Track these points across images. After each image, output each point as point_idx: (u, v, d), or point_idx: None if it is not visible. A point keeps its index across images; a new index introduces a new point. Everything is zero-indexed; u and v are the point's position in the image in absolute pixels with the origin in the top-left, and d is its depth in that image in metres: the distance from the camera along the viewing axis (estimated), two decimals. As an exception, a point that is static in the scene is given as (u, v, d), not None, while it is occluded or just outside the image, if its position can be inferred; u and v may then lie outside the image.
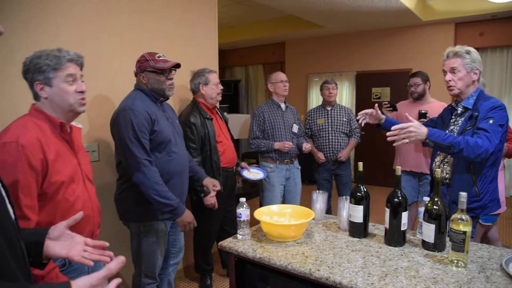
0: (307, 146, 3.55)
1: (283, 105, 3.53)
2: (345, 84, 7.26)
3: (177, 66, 2.22)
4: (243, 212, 1.81)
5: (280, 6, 5.14)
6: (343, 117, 3.82)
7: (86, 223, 1.60)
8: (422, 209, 1.75)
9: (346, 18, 5.82)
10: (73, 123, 1.68)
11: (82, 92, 1.56)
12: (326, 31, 6.87)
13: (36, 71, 1.49)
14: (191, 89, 2.92)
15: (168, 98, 2.28)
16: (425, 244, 1.68)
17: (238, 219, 1.82)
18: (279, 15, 6.54)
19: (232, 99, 8.61)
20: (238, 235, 1.84)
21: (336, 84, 3.89)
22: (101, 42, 2.52)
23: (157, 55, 2.18)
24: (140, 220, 2.18)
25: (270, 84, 3.51)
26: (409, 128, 1.87)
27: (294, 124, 3.56)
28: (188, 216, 2.19)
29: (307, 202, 2.23)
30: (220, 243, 1.82)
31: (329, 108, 3.86)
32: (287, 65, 8.00)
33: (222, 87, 2.94)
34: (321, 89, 3.89)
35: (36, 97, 1.54)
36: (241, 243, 1.79)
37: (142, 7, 2.77)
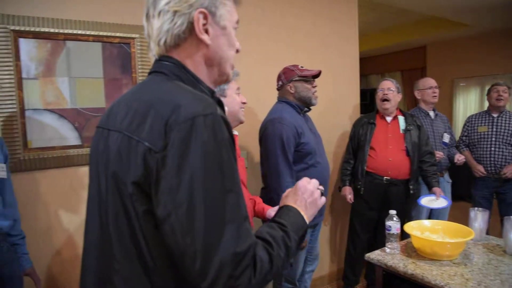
0: (460, 157, 3.21)
1: (432, 113, 3.28)
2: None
3: (319, 74, 2.30)
4: (393, 225, 1.75)
5: (421, 7, 4.81)
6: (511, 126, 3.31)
7: None
8: None
9: (501, 12, 5.12)
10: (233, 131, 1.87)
11: (244, 103, 1.75)
12: (472, 30, 6.16)
13: None
14: None
15: (310, 109, 2.35)
16: None
17: (387, 231, 1.76)
18: (418, 17, 6.13)
19: (367, 109, 8.35)
20: (386, 248, 1.78)
21: (509, 88, 3.38)
22: (248, 55, 2.74)
23: (299, 66, 2.29)
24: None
25: (417, 91, 3.31)
26: None
27: (445, 134, 3.27)
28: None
29: (455, 220, 2.04)
30: (367, 255, 1.79)
31: (495, 115, 3.38)
32: (429, 70, 7.41)
33: (385, 93, 2.90)
34: (488, 92, 3.44)
35: None
36: (390, 256, 1.73)
37: (291, 23, 2.92)
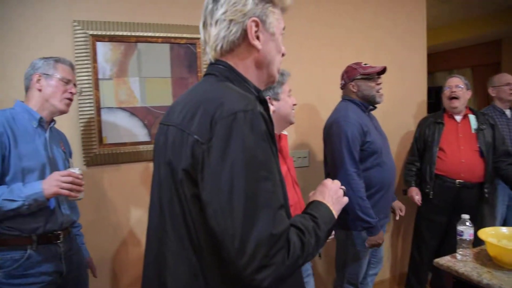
0: None
1: (508, 112, 3.03)
2: None
3: (384, 70, 2.21)
4: (466, 230, 1.64)
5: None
6: None
7: None
8: None
9: None
10: (282, 131, 1.88)
11: (294, 105, 1.82)
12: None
13: (268, 88, 1.73)
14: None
15: (375, 107, 2.28)
16: None
17: (459, 237, 1.66)
18: (493, 9, 5.68)
19: (433, 107, 7.91)
20: (457, 255, 1.68)
21: None
22: (309, 55, 2.72)
23: (362, 63, 2.22)
24: (348, 228, 2.21)
25: (491, 87, 3.07)
26: None
27: (524, 134, 3.01)
28: (380, 237, 2.13)
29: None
30: (436, 260, 1.70)
31: None
32: (505, 66, 6.83)
33: (454, 90, 2.73)
34: None
35: None
36: (462, 264, 1.63)
37: (349, 21, 2.86)
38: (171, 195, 0.87)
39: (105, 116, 2.17)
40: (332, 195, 1.02)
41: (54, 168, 1.63)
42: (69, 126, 2.10)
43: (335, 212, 0.99)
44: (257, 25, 0.91)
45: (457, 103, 2.68)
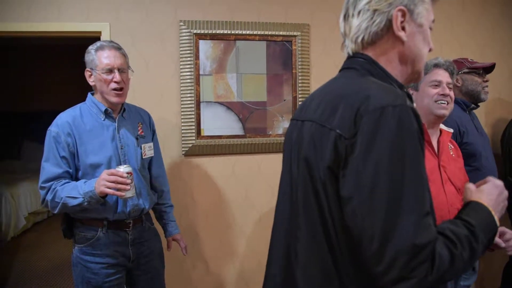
0: None
1: None
2: None
3: (493, 67, 2.05)
4: None
5: None
6: None
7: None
8: None
9: None
10: (443, 127, 1.72)
11: (442, 95, 1.60)
12: None
13: None
14: None
15: (478, 106, 2.13)
16: None
17: None
18: None
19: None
20: None
21: None
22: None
23: (469, 58, 2.09)
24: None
25: None
26: None
27: None
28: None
29: None
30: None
31: None
32: None
33: None
34: None
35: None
36: None
37: (452, 11, 2.68)
38: (306, 190, 0.84)
39: (204, 110, 2.32)
40: (495, 197, 0.87)
41: (122, 158, 1.67)
42: (171, 117, 2.29)
43: (498, 221, 0.84)
44: (403, 15, 0.84)
45: None
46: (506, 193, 0.90)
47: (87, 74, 1.66)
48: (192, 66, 2.27)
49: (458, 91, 2.10)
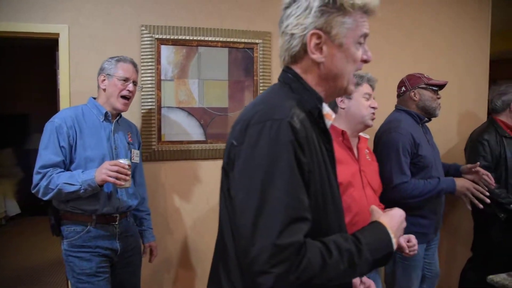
0: None
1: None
2: None
3: (445, 85, 2.17)
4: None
5: None
6: None
7: (362, 226, 1.71)
8: None
9: None
10: (362, 134, 1.88)
11: (374, 108, 1.80)
12: None
13: None
14: (492, 108, 2.67)
15: (430, 120, 2.23)
16: None
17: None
18: None
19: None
20: (515, 274, 1.61)
21: None
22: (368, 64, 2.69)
23: (425, 75, 2.19)
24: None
25: None
26: None
27: None
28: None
29: None
30: (491, 277, 1.64)
31: None
32: None
33: None
34: None
35: (334, 108, 1.80)
36: (520, 283, 1.56)
37: (406, 23, 2.80)
38: (223, 192, 0.95)
39: (165, 115, 2.31)
40: (397, 224, 0.96)
41: (115, 157, 1.83)
42: (132, 122, 2.26)
43: (396, 244, 0.92)
44: (319, 37, 0.88)
45: None
46: (405, 224, 1.00)
47: (100, 78, 1.85)
48: (154, 71, 2.26)
49: (414, 105, 2.17)
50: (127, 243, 1.87)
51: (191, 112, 2.36)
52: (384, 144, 2.09)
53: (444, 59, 2.89)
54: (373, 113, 1.81)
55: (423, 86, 2.14)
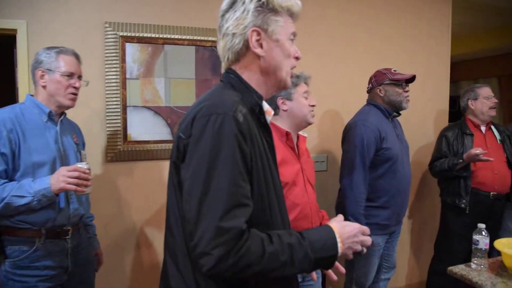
0: None
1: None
2: None
3: (413, 78, 2.23)
4: (481, 239, 1.65)
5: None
6: None
7: (305, 221, 1.78)
8: None
9: None
10: (301, 132, 1.91)
11: (313, 105, 1.85)
12: None
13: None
14: (461, 108, 2.82)
15: (399, 114, 2.30)
16: None
17: (474, 246, 1.67)
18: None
19: (456, 117, 7.75)
20: (472, 264, 1.68)
21: None
22: (329, 59, 2.75)
23: (392, 69, 2.25)
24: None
25: None
26: None
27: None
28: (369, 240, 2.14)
29: None
30: (450, 268, 1.71)
31: None
32: (532, 76, 6.67)
33: (496, 101, 2.70)
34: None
35: (276, 110, 1.83)
36: (476, 273, 1.63)
37: (370, 24, 2.87)
38: (172, 183, 0.99)
39: (131, 114, 2.26)
40: (351, 233, 0.99)
41: (65, 160, 1.64)
42: (96, 122, 2.20)
43: (342, 249, 0.95)
44: (258, 34, 0.98)
45: (495, 113, 2.69)
46: (361, 239, 1.01)
47: (38, 73, 1.61)
48: (118, 69, 2.21)
49: (381, 100, 2.24)
50: (78, 258, 1.68)
51: (157, 111, 2.32)
52: (350, 137, 2.17)
53: (406, 60, 2.99)
54: (312, 111, 1.86)
55: (387, 82, 2.20)
